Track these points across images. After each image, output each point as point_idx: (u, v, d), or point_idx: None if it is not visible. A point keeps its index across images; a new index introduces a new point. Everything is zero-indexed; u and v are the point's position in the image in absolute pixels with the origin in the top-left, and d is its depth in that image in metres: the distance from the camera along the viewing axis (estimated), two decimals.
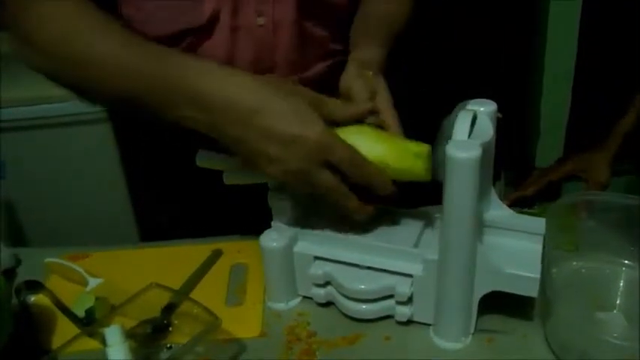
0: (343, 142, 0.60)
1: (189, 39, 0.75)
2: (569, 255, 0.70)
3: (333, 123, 0.64)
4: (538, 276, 0.59)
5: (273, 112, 0.59)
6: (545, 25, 1.78)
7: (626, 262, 0.70)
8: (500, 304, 0.65)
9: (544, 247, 0.64)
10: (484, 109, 0.62)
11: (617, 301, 0.67)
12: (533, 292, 0.60)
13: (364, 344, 0.65)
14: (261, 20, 0.75)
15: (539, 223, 0.65)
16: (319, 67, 0.84)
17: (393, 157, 0.62)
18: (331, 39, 0.84)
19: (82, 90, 0.68)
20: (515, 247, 0.65)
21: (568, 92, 1.86)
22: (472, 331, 0.64)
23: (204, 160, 0.70)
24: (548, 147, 1.95)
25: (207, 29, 0.74)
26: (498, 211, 0.66)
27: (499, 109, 0.64)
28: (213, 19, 0.73)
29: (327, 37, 0.83)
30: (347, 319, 0.68)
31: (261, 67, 0.78)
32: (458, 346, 0.64)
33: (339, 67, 0.86)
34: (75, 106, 1.41)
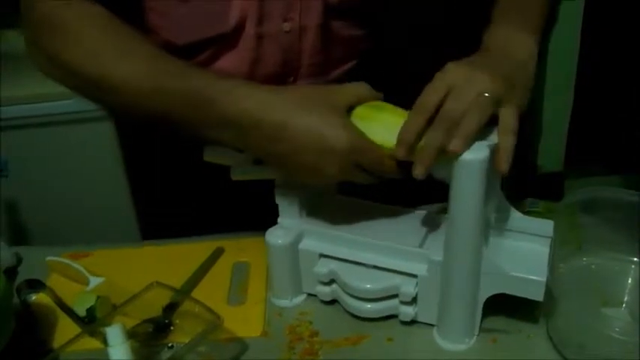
0: (371, 144, 0.60)
1: (214, 47, 0.74)
2: (576, 252, 0.70)
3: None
4: (544, 279, 0.59)
5: (298, 127, 0.59)
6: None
7: (634, 259, 0.69)
8: (505, 304, 0.64)
9: (551, 247, 0.63)
10: None
11: (625, 298, 0.67)
12: (538, 295, 0.60)
13: (367, 345, 0.65)
14: (287, 26, 0.74)
15: (547, 226, 0.64)
16: (343, 68, 0.83)
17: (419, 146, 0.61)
18: (362, 38, 0.82)
19: (107, 107, 0.69)
20: (522, 250, 0.64)
21: (570, 93, 1.85)
22: (476, 332, 0.64)
23: (212, 154, 0.70)
24: (550, 147, 1.95)
25: (232, 38, 0.73)
26: (506, 212, 0.66)
27: None
28: (239, 28, 0.73)
29: (357, 36, 0.82)
30: (349, 319, 0.67)
31: (283, 72, 0.77)
32: (461, 347, 0.63)
33: (362, 65, 0.84)
34: (77, 104, 1.41)
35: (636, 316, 0.64)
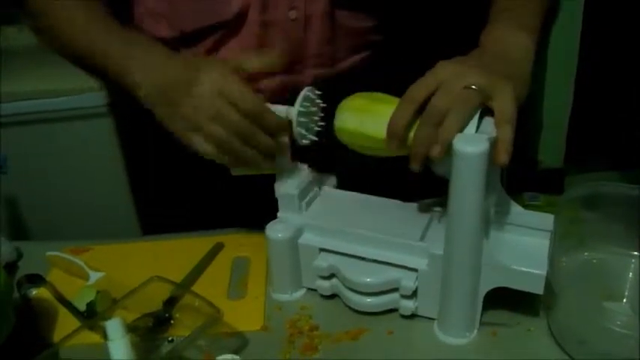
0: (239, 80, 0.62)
1: (217, 34, 0.74)
2: (577, 246, 0.70)
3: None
4: (544, 273, 0.59)
5: (173, 64, 0.65)
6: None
7: (635, 253, 0.69)
8: (506, 298, 0.64)
9: (552, 240, 0.63)
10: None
11: (626, 292, 0.66)
12: (538, 289, 0.60)
13: (367, 339, 0.64)
14: (293, 14, 0.74)
15: (547, 220, 0.64)
16: (353, 59, 0.82)
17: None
18: (372, 30, 0.82)
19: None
20: (522, 243, 0.64)
21: (570, 88, 1.85)
22: (477, 326, 0.64)
23: None
24: (550, 143, 1.95)
25: (234, 25, 0.73)
26: (506, 206, 0.66)
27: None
28: (241, 15, 0.73)
29: (367, 28, 0.81)
30: (349, 313, 0.67)
31: (290, 61, 0.76)
32: (462, 341, 0.63)
33: (377, 59, 0.83)
34: (76, 100, 1.41)
35: (637, 310, 0.64)
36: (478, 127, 0.58)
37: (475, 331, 0.64)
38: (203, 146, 0.63)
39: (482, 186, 0.55)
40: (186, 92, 0.62)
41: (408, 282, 0.63)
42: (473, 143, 0.54)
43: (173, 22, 0.74)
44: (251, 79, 0.72)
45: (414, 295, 0.64)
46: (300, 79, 0.79)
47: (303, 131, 0.66)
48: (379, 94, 0.64)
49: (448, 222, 0.59)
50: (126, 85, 0.66)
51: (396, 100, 0.62)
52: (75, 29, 0.71)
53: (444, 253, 0.60)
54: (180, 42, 0.75)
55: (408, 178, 0.61)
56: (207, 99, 0.61)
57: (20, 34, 1.61)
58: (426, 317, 0.66)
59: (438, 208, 0.69)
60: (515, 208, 0.66)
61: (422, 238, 0.65)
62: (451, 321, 0.64)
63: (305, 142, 0.67)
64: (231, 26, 0.73)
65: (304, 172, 0.70)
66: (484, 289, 0.61)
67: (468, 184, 0.55)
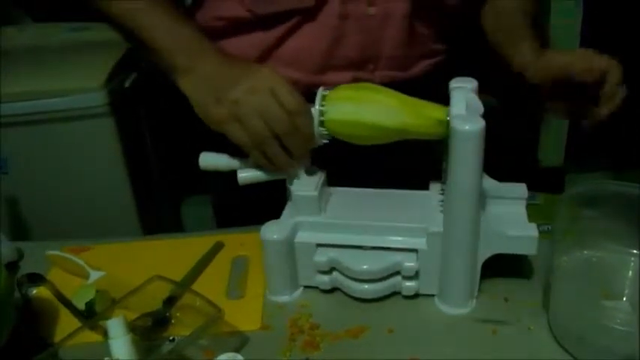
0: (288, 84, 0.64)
1: (296, 19, 0.74)
2: (576, 244, 0.70)
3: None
4: (537, 234, 0.62)
5: (226, 57, 0.67)
6: (547, 22, 1.77)
7: (634, 251, 0.69)
8: (506, 296, 0.65)
9: (552, 238, 0.64)
10: (470, 85, 0.64)
11: (625, 290, 0.66)
12: (532, 250, 0.63)
13: (368, 336, 0.64)
14: (372, 10, 0.74)
15: (521, 189, 0.68)
16: (424, 64, 0.84)
17: (414, 125, 0.63)
18: (434, 38, 0.83)
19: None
20: (503, 212, 0.67)
21: None
22: (476, 295, 0.66)
23: (206, 162, 0.69)
24: (550, 143, 1.95)
25: (314, 12, 0.73)
26: (484, 180, 0.67)
27: (502, 105, 0.65)
28: (322, 3, 0.73)
29: (431, 35, 0.82)
30: (349, 310, 0.67)
31: (363, 58, 0.77)
32: (464, 310, 0.66)
33: (441, 67, 0.84)
34: (76, 100, 1.41)
35: (637, 307, 0.64)
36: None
37: (475, 300, 0.66)
38: (239, 134, 0.64)
39: (481, 161, 0.58)
40: (237, 81, 0.63)
41: (410, 263, 0.65)
42: (469, 121, 0.57)
43: (252, 4, 0.73)
44: (320, 72, 0.72)
45: (416, 275, 0.66)
46: (371, 78, 0.80)
47: (324, 130, 0.66)
48: (362, 84, 0.66)
49: (448, 198, 0.61)
50: (173, 66, 0.67)
51: (379, 87, 0.64)
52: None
53: (443, 229, 0.63)
54: (253, 24, 0.75)
55: (394, 167, 0.62)
56: (259, 92, 0.62)
57: (20, 34, 1.61)
58: (426, 295, 0.68)
59: (430, 194, 0.70)
60: (491, 182, 0.68)
61: (416, 220, 0.66)
62: (452, 292, 0.66)
63: (325, 141, 0.68)
64: (309, 14, 0.73)
65: (317, 173, 0.70)
66: (482, 257, 0.64)
67: (467, 161, 0.58)
